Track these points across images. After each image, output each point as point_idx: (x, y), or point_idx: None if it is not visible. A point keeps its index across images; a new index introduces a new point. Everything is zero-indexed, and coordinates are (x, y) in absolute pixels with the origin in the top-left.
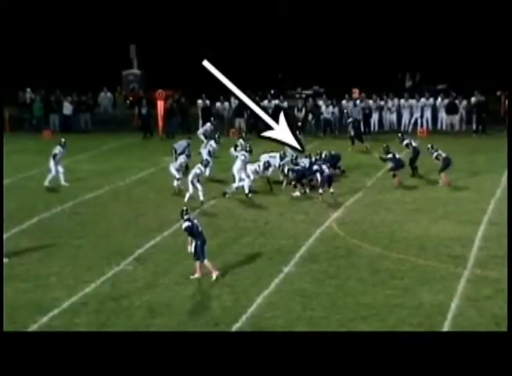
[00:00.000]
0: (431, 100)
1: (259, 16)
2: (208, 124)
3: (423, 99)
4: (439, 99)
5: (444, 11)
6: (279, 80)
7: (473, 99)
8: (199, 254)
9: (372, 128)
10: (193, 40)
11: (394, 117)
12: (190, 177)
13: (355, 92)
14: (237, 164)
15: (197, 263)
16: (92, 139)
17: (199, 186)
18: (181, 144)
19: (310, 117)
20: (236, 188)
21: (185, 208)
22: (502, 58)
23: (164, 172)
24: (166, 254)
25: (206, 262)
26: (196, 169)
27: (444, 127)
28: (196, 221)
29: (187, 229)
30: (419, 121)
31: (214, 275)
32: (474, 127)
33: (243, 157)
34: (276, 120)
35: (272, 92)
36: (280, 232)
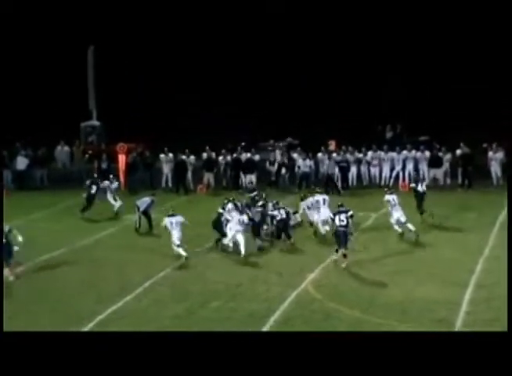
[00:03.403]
0: (413, 152)
1: (230, 64)
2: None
3: (404, 152)
4: (421, 151)
5: (426, 60)
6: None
7: (458, 152)
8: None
9: (350, 183)
10: (158, 88)
11: (375, 170)
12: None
13: (332, 144)
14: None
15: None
16: (48, 196)
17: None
18: (144, 201)
19: (283, 170)
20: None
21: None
22: (489, 109)
23: (126, 232)
24: (128, 320)
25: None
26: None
27: (427, 181)
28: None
29: None
30: (400, 175)
31: (11, 277)
32: (460, 181)
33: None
34: (248, 173)
35: (243, 144)
36: (253, 295)
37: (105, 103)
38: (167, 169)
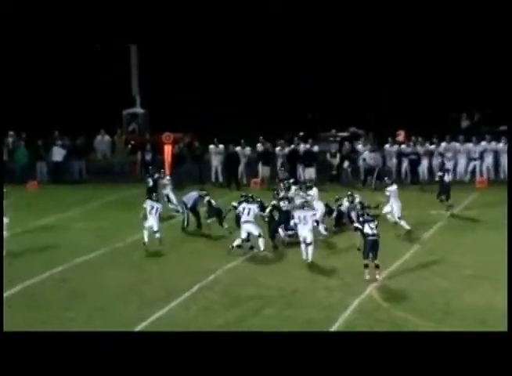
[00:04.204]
0: (493, 144)
1: (284, 48)
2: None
3: (483, 143)
4: (502, 142)
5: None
6: (309, 121)
7: None
8: None
9: (421, 178)
10: (208, 74)
11: (450, 163)
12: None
13: (401, 135)
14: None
15: None
16: (87, 190)
17: None
18: (191, 196)
19: (346, 163)
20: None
21: None
22: None
23: (171, 230)
24: (174, 328)
25: None
26: None
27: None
28: None
29: None
30: (477, 169)
31: None
32: None
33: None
34: (307, 166)
35: (301, 134)
36: (311, 302)
37: (149, 89)
38: (216, 161)
